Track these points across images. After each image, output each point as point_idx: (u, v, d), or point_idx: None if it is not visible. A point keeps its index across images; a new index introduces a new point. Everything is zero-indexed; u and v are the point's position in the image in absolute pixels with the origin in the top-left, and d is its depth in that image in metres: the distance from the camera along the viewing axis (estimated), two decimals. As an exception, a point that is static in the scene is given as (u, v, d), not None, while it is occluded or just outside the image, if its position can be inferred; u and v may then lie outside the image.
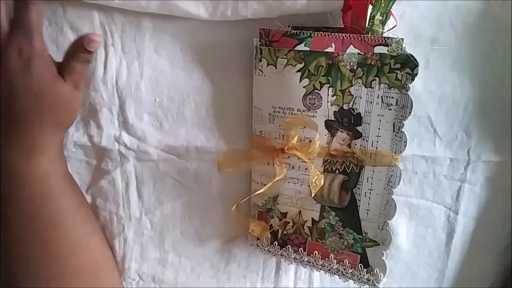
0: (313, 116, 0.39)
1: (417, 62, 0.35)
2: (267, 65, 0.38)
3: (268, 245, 0.45)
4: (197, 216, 0.47)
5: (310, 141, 0.39)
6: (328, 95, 0.38)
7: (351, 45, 0.36)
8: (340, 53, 0.36)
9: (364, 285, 0.43)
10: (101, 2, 0.37)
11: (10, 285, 0.39)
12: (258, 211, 0.44)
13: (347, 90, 0.38)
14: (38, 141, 0.37)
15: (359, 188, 0.40)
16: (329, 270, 0.43)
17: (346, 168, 0.40)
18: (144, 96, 0.42)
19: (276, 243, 0.44)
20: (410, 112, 0.37)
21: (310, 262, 0.44)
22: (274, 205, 0.43)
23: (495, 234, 0.48)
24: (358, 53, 0.36)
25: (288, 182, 0.42)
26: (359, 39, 0.36)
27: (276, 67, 0.38)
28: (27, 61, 0.34)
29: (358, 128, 0.39)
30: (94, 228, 0.44)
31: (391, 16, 0.36)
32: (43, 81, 0.35)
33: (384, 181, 0.39)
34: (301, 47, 0.37)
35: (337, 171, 0.41)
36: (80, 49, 0.35)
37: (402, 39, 0.35)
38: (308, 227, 0.43)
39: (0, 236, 0.38)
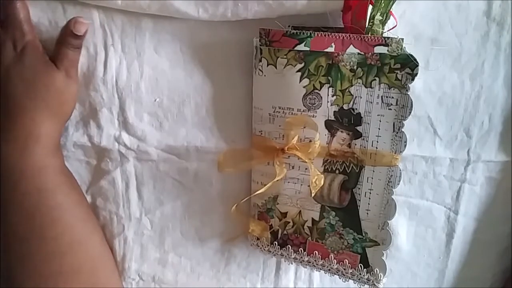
0: (313, 116, 0.39)
1: (417, 62, 0.35)
2: (267, 65, 0.38)
3: (268, 245, 0.45)
4: (197, 216, 0.47)
5: (310, 141, 0.39)
6: (328, 95, 0.38)
7: (351, 45, 0.36)
8: (340, 53, 0.36)
9: (364, 285, 0.43)
10: (102, 3, 0.37)
11: (9, 285, 0.39)
12: (258, 211, 0.44)
13: (347, 90, 0.38)
14: (32, 130, 0.37)
15: (359, 188, 0.40)
16: (329, 270, 0.43)
17: (346, 168, 0.40)
18: (144, 96, 0.42)
19: (276, 243, 0.44)
20: (410, 112, 0.37)
21: (310, 262, 0.44)
22: (274, 205, 0.43)
23: (495, 235, 0.48)
24: (358, 53, 0.36)
25: (288, 182, 0.42)
26: (359, 39, 0.36)
27: (276, 67, 0.38)
28: (20, 52, 0.36)
29: (358, 128, 0.39)
30: (93, 227, 0.44)
31: (391, 16, 0.36)
32: (35, 69, 0.36)
33: (384, 181, 0.39)
34: (301, 47, 0.37)
35: (337, 171, 0.41)
36: (68, 35, 0.36)
37: (402, 39, 0.35)
38: (308, 227, 0.43)
39: (1, 234, 0.38)
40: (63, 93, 0.38)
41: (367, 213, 0.40)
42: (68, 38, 0.37)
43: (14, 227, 0.38)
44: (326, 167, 0.41)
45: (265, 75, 0.39)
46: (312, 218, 0.42)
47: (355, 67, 0.37)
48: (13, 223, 0.37)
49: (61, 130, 0.40)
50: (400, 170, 0.39)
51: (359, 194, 0.40)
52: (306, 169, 0.41)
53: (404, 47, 0.35)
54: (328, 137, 0.40)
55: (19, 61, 0.36)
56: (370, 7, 0.35)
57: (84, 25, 0.36)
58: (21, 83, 0.36)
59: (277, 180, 0.40)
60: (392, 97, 0.37)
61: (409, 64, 0.35)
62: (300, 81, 0.38)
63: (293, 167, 0.41)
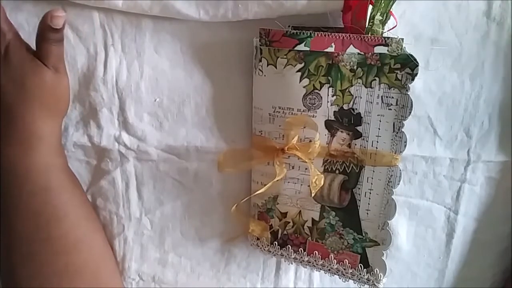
0: (313, 116, 0.39)
1: (417, 62, 0.35)
2: (267, 65, 0.38)
3: (268, 245, 0.45)
4: (197, 216, 0.47)
5: (310, 141, 0.39)
6: (328, 95, 0.38)
7: (351, 45, 0.36)
8: (340, 53, 0.36)
9: (364, 285, 0.43)
10: (103, 5, 0.37)
11: (12, 285, 0.38)
12: (258, 211, 0.44)
13: (347, 90, 0.38)
14: (34, 130, 0.37)
15: (359, 188, 0.40)
16: (329, 270, 0.43)
17: (346, 168, 0.40)
18: (144, 96, 0.42)
19: (276, 243, 0.44)
20: (410, 112, 0.37)
21: (310, 262, 0.44)
22: (274, 205, 0.43)
23: (495, 235, 0.48)
24: (358, 53, 0.36)
25: (288, 182, 0.42)
26: (359, 39, 0.36)
27: (276, 67, 0.38)
28: (4, 53, 0.35)
29: (358, 128, 0.39)
30: (96, 226, 0.44)
31: (391, 16, 0.36)
32: (23, 69, 0.35)
33: (384, 181, 0.39)
34: (301, 47, 0.37)
35: (337, 171, 0.41)
36: (47, 30, 0.35)
37: (402, 39, 0.35)
38: (308, 227, 0.43)
39: (2, 234, 0.38)
40: (56, 89, 0.37)
41: (367, 213, 0.40)
42: (48, 34, 0.35)
43: (19, 227, 0.37)
44: (326, 167, 0.41)
45: (265, 75, 0.39)
46: (312, 218, 0.42)
47: (355, 67, 0.37)
48: (19, 224, 0.37)
49: (60, 126, 0.40)
50: (400, 170, 0.39)
51: (359, 194, 0.40)
52: (306, 169, 0.41)
53: (404, 47, 0.35)
54: (328, 137, 0.40)
55: (5, 63, 0.35)
56: (370, 7, 0.35)
57: (61, 18, 0.34)
58: (12, 85, 0.35)
59: (277, 180, 0.40)
60: (392, 97, 0.37)
61: (409, 64, 0.35)
62: (300, 81, 0.38)
63: (293, 167, 0.41)
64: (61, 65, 0.37)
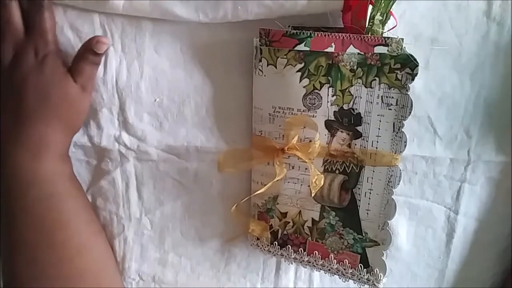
0: (313, 116, 0.39)
1: (417, 62, 0.35)
2: (267, 65, 0.38)
3: (268, 245, 0.45)
4: (197, 216, 0.47)
5: (310, 141, 0.39)
6: (328, 95, 0.38)
7: (351, 45, 0.36)
8: (340, 53, 0.36)
9: (364, 285, 0.43)
10: (104, 9, 0.37)
11: (13, 285, 0.39)
12: (258, 211, 0.44)
13: (347, 90, 0.38)
14: (44, 138, 0.37)
15: (359, 188, 0.40)
16: (329, 270, 0.43)
17: (346, 168, 0.40)
18: (144, 96, 0.42)
19: (276, 243, 0.44)
20: (410, 112, 0.37)
21: (310, 262, 0.44)
22: (274, 205, 0.43)
23: (495, 235, 0.48)
24: (358, 53, 0.36)
25: (288, 182, 0.42)
26: (359, 39, 0.36)
27: (276, 67, 0.38)
28: (41, 60, 0.36)
29: (358, 128, 0.39)
30: (97, 229, 0.44)
31: (391, 16, 0.36)
32: (52, 79, 0.37)
33: (384, 181, 0.39)
34: (301, 47, 0.37)
35: (337, 171, 0.41)
36: (89, 51, 0.37)
37: (402, 39, 0.35)
38: (308, 227, 0.43)
39: (6, 238, 0.38)
40: (77, 106, 0.38)
41: (367, 213, 0.40)
42: (88, 55, 0.37)
43: (23, 232, 0.38)
44: (326, 167, 0.41)
45: (265, 75, 0.39)
46: (312, 218, 0.42)
47: (355, 67, 0.37)
48: (23, 229, 0.38)
49: (70, 140, 0.41)
50: (400, 170, 0.39)
51: (359, 194, 0.40)
52: (306, 169, 0.41)
53: (404, 47, 0.35)
54: (328, 137, 0.40)
55: (38, 70, 0.36)
56: (370, 7, 0.35)
57: (105, 44, 0.37)
58: (37, 92, 0.36)
59: (277, 180, 0.40)
60: (392, 97, 0.37)
61: (409, 64, 0.35)
62: (300, 81, 0.38)
63: (293, 167, 0.41)
64: (89, 85, 0.39)
